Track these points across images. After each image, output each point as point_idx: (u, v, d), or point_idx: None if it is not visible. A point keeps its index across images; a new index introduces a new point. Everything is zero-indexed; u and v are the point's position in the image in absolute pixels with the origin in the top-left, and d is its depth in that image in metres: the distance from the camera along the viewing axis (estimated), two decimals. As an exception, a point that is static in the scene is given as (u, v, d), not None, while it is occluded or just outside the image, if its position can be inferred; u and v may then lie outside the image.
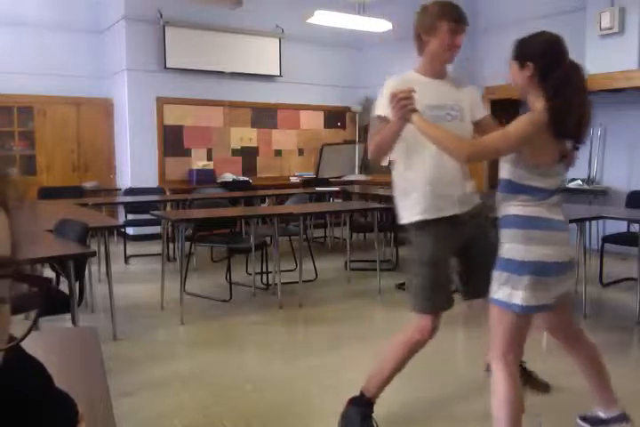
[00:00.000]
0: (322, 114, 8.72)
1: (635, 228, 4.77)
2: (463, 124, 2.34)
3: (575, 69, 1.96)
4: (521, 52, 2.03)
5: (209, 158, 7.98)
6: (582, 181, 6.55)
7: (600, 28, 6.09)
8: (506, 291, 1.93)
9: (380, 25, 7.08)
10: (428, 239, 2.28)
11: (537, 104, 1.96)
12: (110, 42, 7.57)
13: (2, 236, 0.49)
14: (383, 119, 2.22)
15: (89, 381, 1.24)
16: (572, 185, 6.54)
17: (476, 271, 2.35)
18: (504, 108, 7.30)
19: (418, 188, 2.28)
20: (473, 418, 2.58)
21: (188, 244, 4.90)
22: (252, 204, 6.49)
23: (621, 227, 5.16)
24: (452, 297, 2.34)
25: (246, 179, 7.96)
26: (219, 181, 7.71)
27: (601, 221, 5.65)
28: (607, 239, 4.99)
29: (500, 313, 1.97)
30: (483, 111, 2.44)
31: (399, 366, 2.32)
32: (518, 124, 1.93)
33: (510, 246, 1.96)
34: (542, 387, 2.74)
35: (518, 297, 1.90)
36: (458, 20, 2.32)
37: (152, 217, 4.85)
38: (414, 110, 2.05)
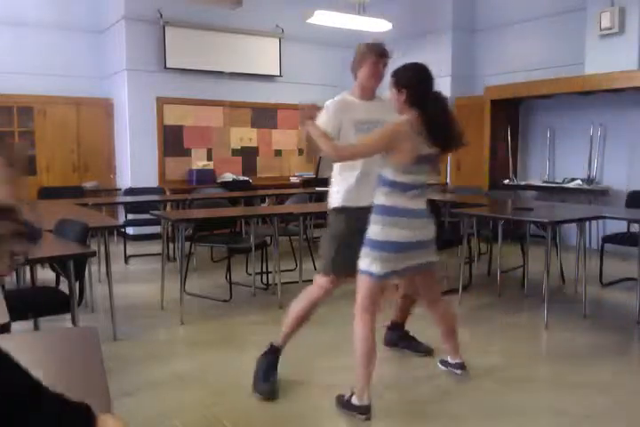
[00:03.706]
0: (322, 114, 8.72)
1: (635, 228, 4.77)
2: None
3: (440, 99, 2.57)
4: (397, 80, 2.57)
5: (209, 158, 7.98)
6: (582, 181, 6.54)
7: (600, 28, 6.09)
8: (366, 262, 2.53)
9: (379, 25, 7.08)
10: (342, 220, 2.89)
11: (404, 117, 2.53)
12: (110, 42, 7.57)
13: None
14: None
15: (89, 381, 1.24)
16: (571, 185, 6.54)
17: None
18: (504, 108, 7.32)
19: (345, 183, 2.88)
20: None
21: (188, 244, 4.90)
22: (252, 204, 6.49)
23: (621, 227, 5.16)
24: (352, 267, 2.71)
25: (246, 179, 7.96)
26: (219, 181, 7.71)
27: (601, 221, 5.66)
28: (607, 239, 4.99)
29: (361, 279, 2.57)
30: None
31: (303, 318, 2.87)
32: (378, 132, 2.58)
33: (372, 228, 2.53)
34: (424, 349, 3.33)
35: (373, 266, 2.50)
36: (380, 54, 2.86)
37: (152, 217, 4.85)
38: (312, 120, 2.66)
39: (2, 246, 0.43)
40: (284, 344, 2.90)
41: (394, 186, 2.52)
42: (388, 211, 2.52)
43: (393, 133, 2.51)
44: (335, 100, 2.96)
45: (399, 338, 3.41)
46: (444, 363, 3.03)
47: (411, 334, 3.42)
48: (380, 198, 2.55)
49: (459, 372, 2.94)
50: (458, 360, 2.97)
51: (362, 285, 2.57)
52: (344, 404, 2.56)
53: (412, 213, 2.53)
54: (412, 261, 2.58)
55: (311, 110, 2.72)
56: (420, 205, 2.58)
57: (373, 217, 2.54)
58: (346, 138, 2.80)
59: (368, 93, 2.96)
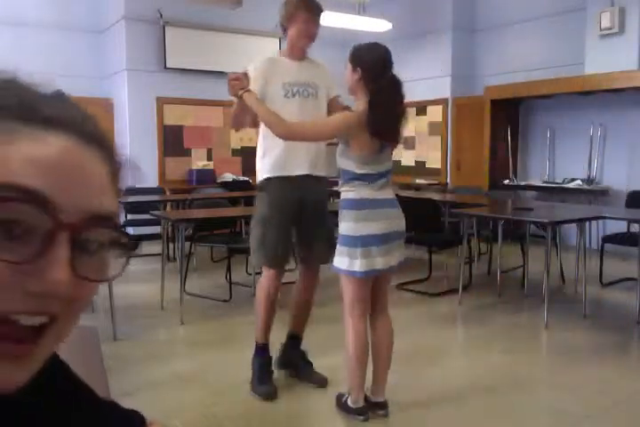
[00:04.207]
0: (322, 114, 8.72)
1: (635, 228, 4.77)
2: (317, 101, 2.73)
3: (396, 82, 2.35)
4: (355, 57, 2.37)
5: (209, 158, 7.98)
6: (582, 181, 6.54)
7: (600, 28, 6.09)
8: (344, 261, 2.36)
9: (379, 25, 7.08)
10: (268, 198, 2.67)
11: (360, 105, 2.35)
12: (110, 42, 7.57)
13: (103, 181, 0.46)
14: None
15: (89, 381, 1.24)
16: (571, 185, 6.54)
17: (304, 237, 2.73)
18: (504, 108, 7.32)
19: (269, 152, 2.66)
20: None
21: (188, 244, 4.90)
22: (252, 204, 6.46)
23: (621, 227, 5.16)
24: (283, 256, 2.71)
25: (246, 179, 7.95)
26: (219, 181, 7.71)
27: (601, 221, 5.66)
28: (607, 239, 4.99)
29: (345, 280, 2.41)
30: (334, 92, 2.83)
31: (268, 311, 2.76)
32: (334, 118, 2.43)
33: (345, 225, 2.37)
34: (318, 379, 2.89)
35: (354, 265, 2.33)
36: (311, 10, 2.63)
37: (152, 217, 4.85)
38: (246, 90, 2.42)
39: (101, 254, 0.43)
40: (265, 340, 2.81)
41: (359, 179, 2.36)
42: (358, 204, 2.36)
43: (350, 122, 2.33)
44: (260, 59, 2.70)
45: (297, 359, 2.96)
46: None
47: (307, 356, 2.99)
48: (347, 193, 2.40)
49: (382, 412, 2.54)
50: (380, 399, 2.55)
51: (346, 286, 2.42)
52: (342, 405, 2.55)
53: (382, 203, 2.39)
54: (393, 258, 2.40)
55: (243, 80, 2.44)
56: (389, 194, 2.43)
57: (343, 213, 2.40)
58: (272, 102, 2.54)
59: (298, 53, 2.73)
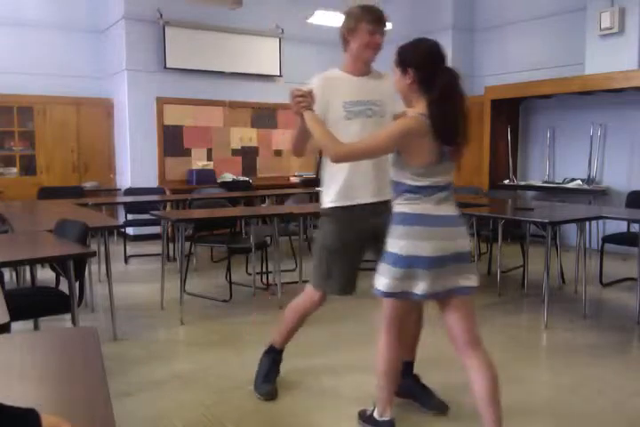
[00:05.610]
0: (322, 114, 8.71)
1: (635, 228, 4.77)
2: (382, 120, 2.49)
3: (455, 76, 2.06)
4: (402, 58, 2.11)
5: (209, 158, 7.98)
6: (582, 181, 6.54)
7: (600, 28, 6.09)
8: (385, 282, 2.11)
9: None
10: (334, 226, 2.54)
11: (416, 109, 2.08)
12: (110, 42, 7.57)
13: None
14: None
15: (89, 381, 1.24)
16: (571, 185, 6.54)
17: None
18: (504, 108, 7.32)
19: (335, 179, 2.52)
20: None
21: (188, 244, 4.91)
22: (252, 204, 6.49)
23: (621, 227, 5.16)
24: (349, 285, 2.59)
25: (246, 179, 7.96)
26: (219, 181, 7.71)
27: (601, 221, 5.66)
28: (607, 239, 4.99)
29: (383, 300, 2.20)
30: (400, 106, 2.47)
31: (296, 326, 2.74)
32: (386, 130, 2.09)
33: (391, 241, 2.11)
34: (436, 405, 2.64)
35: (398, 287, 2.09)
36: (376, 22, 2.47)
37: (152, 217, 4.85)
38: (308, 108, 2.25)
39: None
40: (282, 346, 2.81)
41: (415, 192, 2.08)
42: (410, 220, 2.08)
43: (405, 130, 2.04)
44: (321, 76, 2.52)
45: (410, 386, 2.69)
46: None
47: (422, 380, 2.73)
48: (399, 207, 2.12)
49: None
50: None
51: (386, 307, 2.22)
52: (367, 419, 2.46)
53: (440, 220, 2.08)
54: (447, 283, 2.08)
55: (307, 97, 2.27)
56: (450, 210, 2.12)
57: (394, 229, 2.11)
58: (334, 124, 2.37)
59: (361, 68, 2.52)
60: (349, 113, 2.45)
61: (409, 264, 2.05)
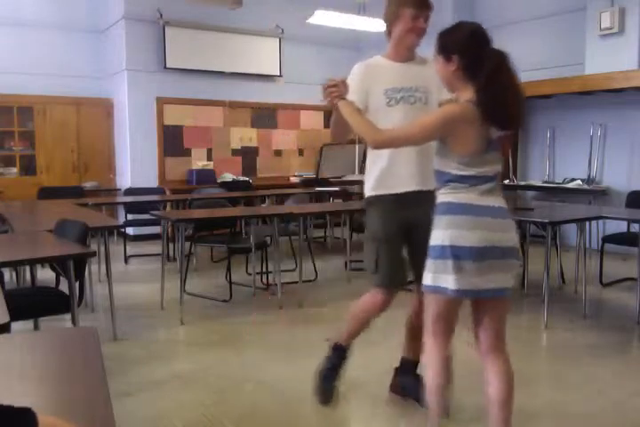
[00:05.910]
0: (322, 114, 8.71)
1: (635, 228, 4.77)
2: (426, 107, 2.39)
3: (503, 58, 1.95)
4: (444, 44, 2.01)
5: (209, 158, 7.98)
6: (582, 181, 6.54)
7: (600, 28, 6.09)
8: (432, 276, 1.97)
9: (380, 25, 7.07)
10: (376, 215, 2.43)
11: (463, 96, 1.97)
12: (110, 42, 7.57)
13: None
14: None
15: (89, 381, 1.24)
16: (571, 185, 6.54)
17: (415, 255, 2.43)
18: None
19: (376, 167, 2.42)
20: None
21: (188, 244, 4.91)
22: (252, 204, 6.49)
23: (621, 227, 5.16)
24: (402, 274, 2.46)
25: (246, 179, 7.96)
26: (219, 181, 7.71)
27: (601, 221, 5.65)
28: (607, 239, 4.99)
29: (428, 297, 2.04)
30: (446, 94, 2.34)
31: (367, 323, 2.54)
32: (430, 116, 2.00)
33: (435, 233, 1.98)
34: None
35: (442, 280, 1.93)
36: (419, 5, 2.38)
37: (152, 217, 4.85)
38: (342, 98, 2.20)
39: None
40: (348, 344, 2.62)
41: (460, 181, 1.96)
42: (457, 209, 1.95)
43: (449, 117, 1.94)
44: (362, 64, 2.45)
45: (411, 384, 2.61)
46: None
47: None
48: (443, 197, 2.00)
49: None
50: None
51: (430, 305, 2.05)
52: None
53: (488, 211, 1.97)
54: (494, 280, 1.95)
55: (340, 87, 2.21)
56: (497, 201, 2.02)
57: (438, 219, 1.98)
58: (375, 112, 2.31)
59: (405, 54, 2.42)
60: (391, 100, 2.35)
61: (454, 255, 1.90)
